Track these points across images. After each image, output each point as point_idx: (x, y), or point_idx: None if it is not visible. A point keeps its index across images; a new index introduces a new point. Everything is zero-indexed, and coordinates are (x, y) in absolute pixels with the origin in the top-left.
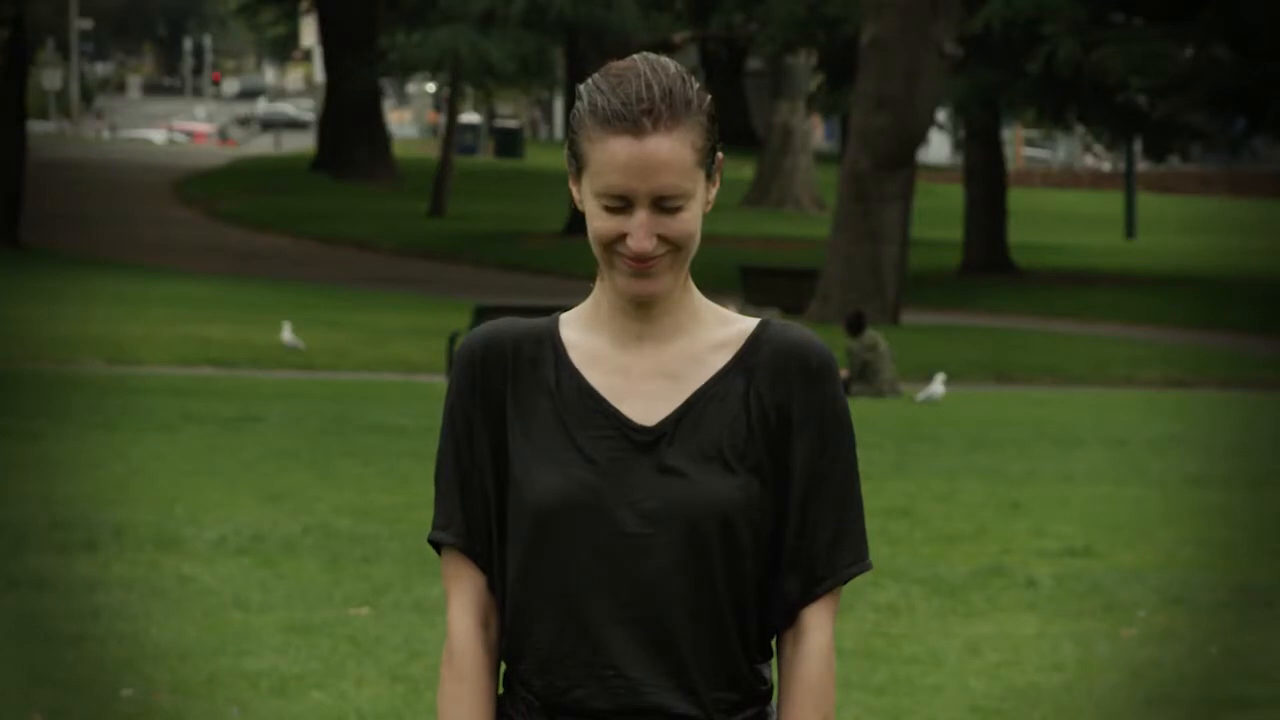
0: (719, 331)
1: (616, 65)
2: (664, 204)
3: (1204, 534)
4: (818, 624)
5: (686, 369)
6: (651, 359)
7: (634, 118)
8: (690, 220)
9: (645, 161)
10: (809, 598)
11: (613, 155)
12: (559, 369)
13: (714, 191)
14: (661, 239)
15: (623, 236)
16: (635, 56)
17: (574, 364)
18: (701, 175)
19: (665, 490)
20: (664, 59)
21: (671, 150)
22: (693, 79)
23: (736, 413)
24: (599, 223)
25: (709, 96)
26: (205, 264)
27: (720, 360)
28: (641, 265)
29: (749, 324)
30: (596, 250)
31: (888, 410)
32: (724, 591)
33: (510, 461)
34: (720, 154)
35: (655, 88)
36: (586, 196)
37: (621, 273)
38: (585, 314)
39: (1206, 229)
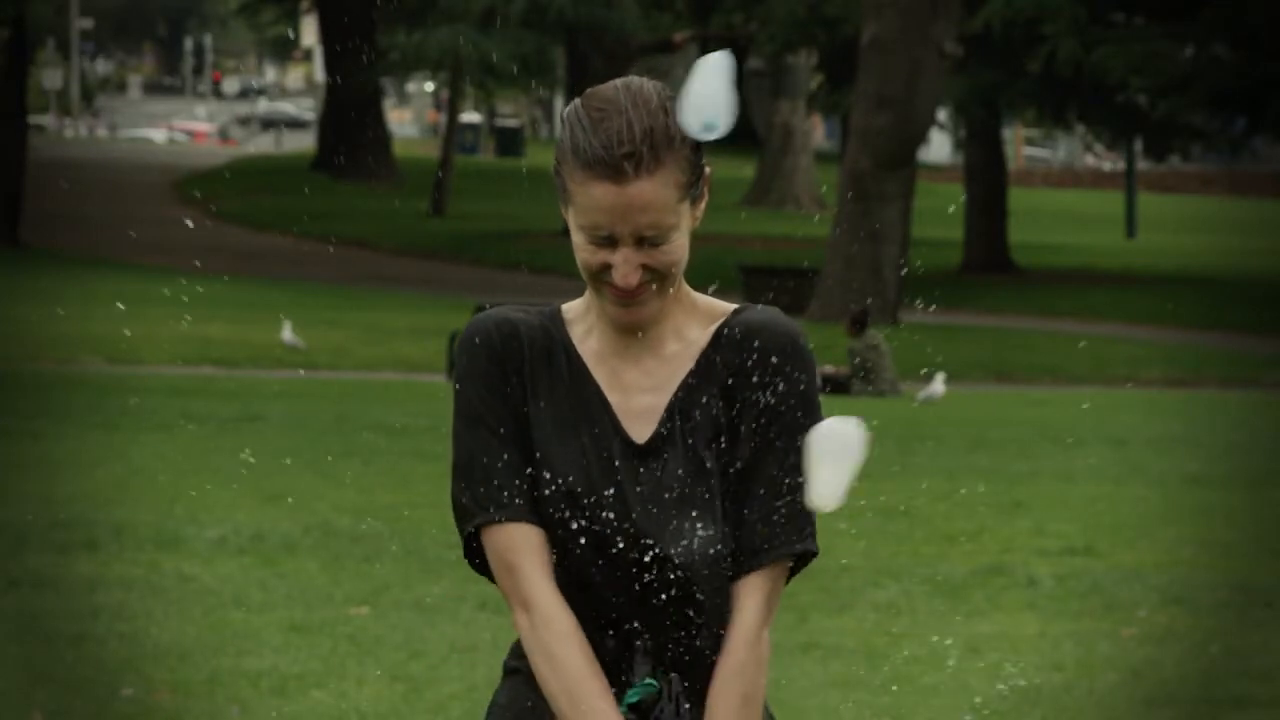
0: (702, 333)
1: (599, 96)
2: (648, 240)
3: (1204, 534)
4: (748, 603)
5: (669, 380)
6: (639, 369)
7: (615, 162)
8: (675, 250)
9: (628, 205)
10: (737, 574)
11: (596, 199)
12: (570, 366)
13: (702, 207)
14: (646, 268)
15: (608, 267)
16: (618, 85)
17: (584, 364)
18: (686, 205)
19: (660, 501)
20: (647, 87)
21: (654, 193)
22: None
23: (709, 414)
24: (585, 254)
25: None
26: (205, 264)
27: (692, 362)
28: (627, 296)
29: (723, 318)
30: (584, 276)
31: (888, 410)
32: (718, 597)
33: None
34: (707, 170)
35: (636, 128)
36: (572, 226)
37: (609, 300)
38: (581, 313)
39: (1207, 229)
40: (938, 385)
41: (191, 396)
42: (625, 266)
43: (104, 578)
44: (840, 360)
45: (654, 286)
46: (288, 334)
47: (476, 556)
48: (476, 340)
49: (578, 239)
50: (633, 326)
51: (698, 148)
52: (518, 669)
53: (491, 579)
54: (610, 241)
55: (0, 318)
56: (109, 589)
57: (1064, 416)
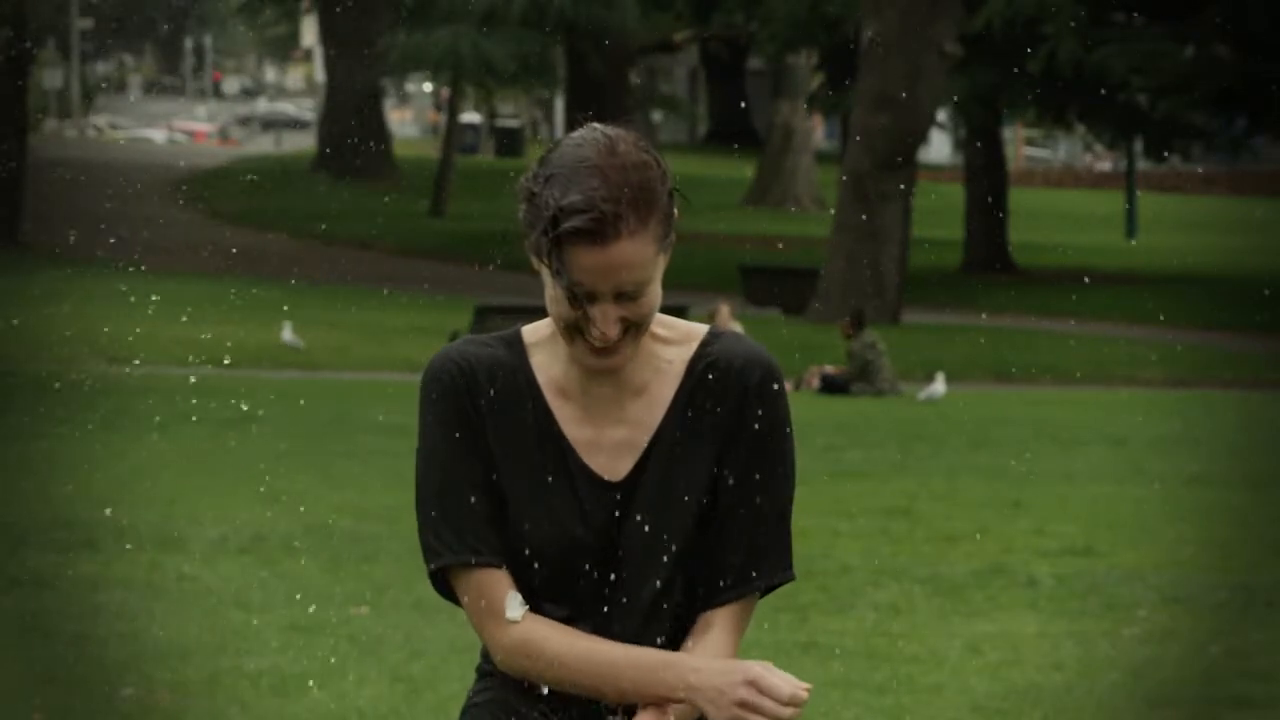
0: (678, 355)
1: (572, 154)
2: (626, 294)
3: (1204, 534)
4: (721, 627)
5: (647, 413)
6: (613, 401)
7: (596, 229)
8: (651, 300)
9: (609, 265)
10: (711, 604)
11: (577, 261)
12: (533, 401)
13: (669, 252)
14: (623, 320)
15: (586, 319)
16: (593, 139)
17: (548, 404)
18: (661, 256)
19: (636, 540)
20: (624, 141)
21: (635, 252)
22: (653, 157)
23: (687, 451)
24: (561, 307)
25: (666, 171)
26: (205, 264)
27: (669, 394)
28: (604, 348)
29: (694, 345)
30: (558, 327)
31: (888, 410)
32: (663, 633)
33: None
34: (676, 213)
35: (617, 191)
36: (546, 280)
37: (582, 349)
38: (545, 338)
39: (1207, 229)
40: (938, 385)
41: (191, 396)
42: (605, 321)
43: (104, 577)
44: (840, 360)
45: (629, 334)
46: (288, 334)
47: (442, 584)
48: (436, 382)
49: (553, 292)
50: (606, 373)
51: (673, 194)
52: (490, 672)
53: (457, 603)
54: (588, 296)
55: (0, 317)
56: (109, 589)
57: (1064, 416)
